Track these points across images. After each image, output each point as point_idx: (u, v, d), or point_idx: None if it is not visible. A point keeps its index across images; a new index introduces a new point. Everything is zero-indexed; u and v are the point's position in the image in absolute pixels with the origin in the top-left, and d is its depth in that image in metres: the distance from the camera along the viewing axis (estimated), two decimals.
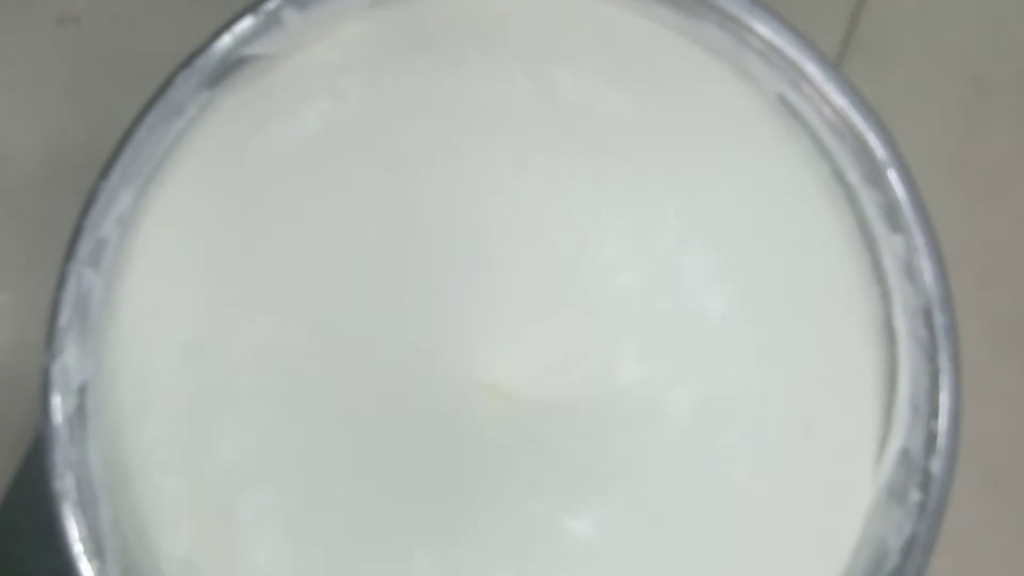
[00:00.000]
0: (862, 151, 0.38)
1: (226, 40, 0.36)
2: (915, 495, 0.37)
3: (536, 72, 0.39)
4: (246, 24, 0.36)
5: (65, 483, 0.35)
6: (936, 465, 0.37)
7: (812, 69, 0.38)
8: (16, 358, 0.50)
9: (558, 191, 0.39)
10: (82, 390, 0.36)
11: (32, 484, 0.48)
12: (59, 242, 0.49)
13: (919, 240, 0.38)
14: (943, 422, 0.37)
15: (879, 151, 0.38)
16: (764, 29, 0.38)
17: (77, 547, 0.35)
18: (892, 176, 0.38)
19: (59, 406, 0.35)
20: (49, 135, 0.50)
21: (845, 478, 0.39)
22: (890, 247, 0.38)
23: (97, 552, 0.35)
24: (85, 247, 0.35)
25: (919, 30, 0.54)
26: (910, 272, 0.38)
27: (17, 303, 0.50)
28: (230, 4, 0.48)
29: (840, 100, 0.38)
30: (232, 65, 0.37)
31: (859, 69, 0.53)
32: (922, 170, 0.38)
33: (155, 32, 0.50)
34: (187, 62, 0.36)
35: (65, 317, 0.35)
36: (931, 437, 0.37)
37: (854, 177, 0.39)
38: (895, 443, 0.38)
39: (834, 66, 0.38)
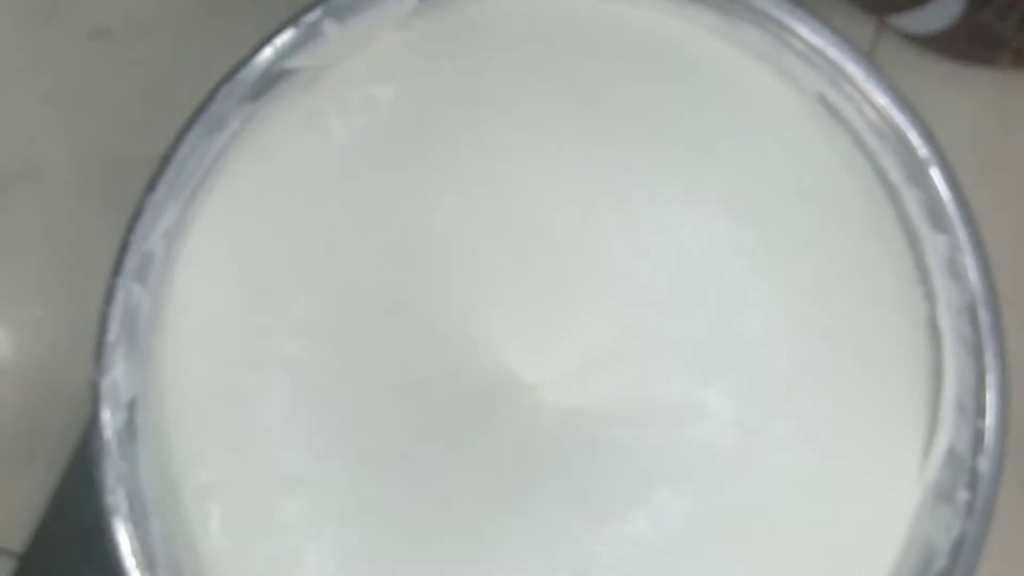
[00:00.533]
0: (904, 149, 0.38)
1: (267, 53, 0.36)
2: (963, 494, 0.37)
3: (571, 76, 0.40)
4: (287, 37, 0.36)
5: (116, 497, 0.35)
6: (984, 464, 0.37)
7: (852, 68, 0.38)
8: (54, 371, 0.50)
9: (594, 193, 0.39)
10: (131, 404, 0.36)
11: (73, 497, 0.48)
12: (94, 255, 0.49)
13: (963, 238, 0.38)
14: (990, 420, 0.37)
15: (921, 149, 0.38)
16: (804, 30, 0.38)
17: (129, 561, 0.35)
18: (935, 174, 0.38)
19: (109, 421, 0.36)
20: (83, 148, 0.51)
21: (892, 478, 0.39)
22: (933, 245, 0.38)
23: (148, 565, 0.36)
24: (132, 262, 0.36)
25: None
26: (954, 270, 0.38)
27: (54, 317, 0.50)
28: (259, 15, 0.48)
29: (881, 99, 0.38)
30: (273, 78, 0.37)
31: (890, 64, 0.52)
32: (955, 165, 0.38)
33: (185, 44, 0.51)
34: (229, 76, 0.36)
35: (113, 332, 0.36)
36: (978, 436, 0.37)
37: (896, 176, 0.38)
38: (942, 443, 0.38)
39: (874, 64, 0.38)
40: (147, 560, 0.36)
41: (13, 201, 0.50)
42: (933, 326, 0.39)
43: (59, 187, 0.50)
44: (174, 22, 0.51)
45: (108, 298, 0.35)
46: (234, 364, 0.38)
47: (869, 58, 0.38)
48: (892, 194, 0.39)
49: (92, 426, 0.35)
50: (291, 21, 0.36)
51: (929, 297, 0.39)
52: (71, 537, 0.48)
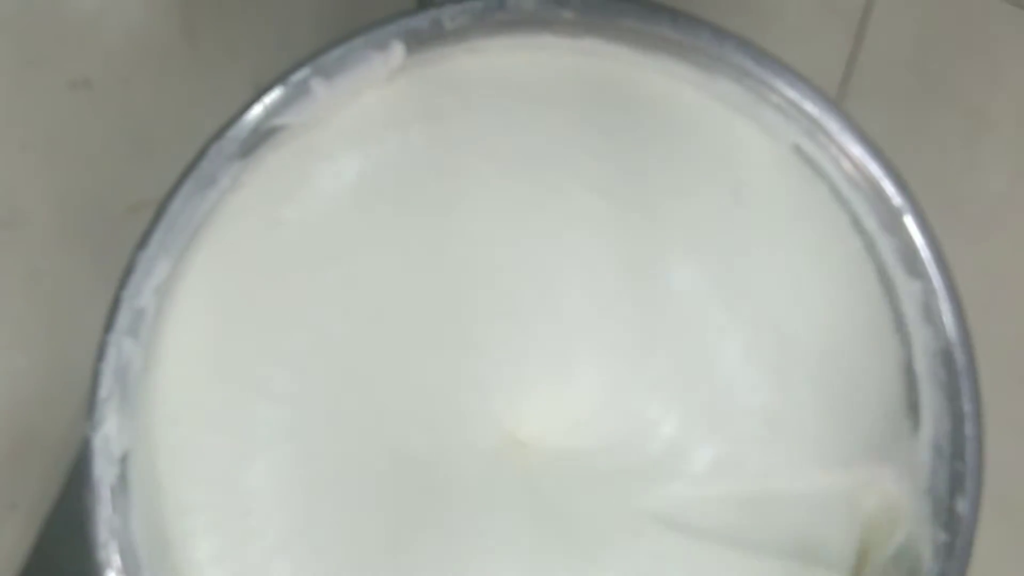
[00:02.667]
0: (878, 198, 0.39)
1: (257, 111, 0.37)
2: (942, 536, 0.38)
3: (552, 127, 0.40)
4: (276, 95, 0.37)
5: (108, 552, 0.36)
6: (962, 506, 0.38)
7: (827, 120, 0.39)
8: (35, 419, 0.50)
9: (584, 243, 0.40)
10: (123, 459, 0.36)
11: (56, 545, 0.48)
12: (76, 303, 0.49)
13: (937, 284, 0.38)
14: (968, 462, 0.38)
15: (895, 198, 0.39)
16: (778, 82, 0.39)
17: None
18: (909, 222, 0.38)
19: (102, 477, 0.36)
20: (63, 196, 0.51)
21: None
22: (909, 292, 0.39)
23: None
24: (124, 318, 0.36)
25: (916, 68, 0.55)
26: (929, 316, 0.38)
27: (35, 365, 0.50)
28: (239, 66, 0.49)
29: (856, 150, 0.39)
30: (262, 136, 0.37)
31: (858, 109, 0.53)
32: (924, 206, 0.39)
33: (165, 94, 0.51)
34: (219, 134, 0.36)
35: (106, 388, 0.36)
36: (956, 478, 0.38)
37: (871, 224, 0.39)
38: (920, 485, 0.39)
39: (849, 116, 0.39)
40: None
41: None
42: (909, 370, 0.39)
43: (40, 235, 0.50)
44: (153, 72, 0.51)
45: (100, 354, 0.36)
46: (223, 418, 0.38)
47: (843, 110, 0.39)
48: (868, 243, 0.40)
49: (85, 482, 0.35)
50: (279, 80, 0.36)
51: (905, 342, 0.39)
52: None
